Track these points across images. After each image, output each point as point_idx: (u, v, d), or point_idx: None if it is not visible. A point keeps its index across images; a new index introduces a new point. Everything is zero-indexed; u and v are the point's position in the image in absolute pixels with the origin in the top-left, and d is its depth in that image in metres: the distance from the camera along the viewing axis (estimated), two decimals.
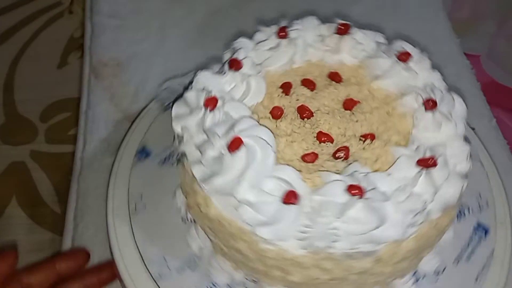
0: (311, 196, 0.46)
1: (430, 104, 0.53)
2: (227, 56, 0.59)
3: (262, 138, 0.48)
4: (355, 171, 0.48)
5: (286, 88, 0.58)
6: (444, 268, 0.59)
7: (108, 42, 0.97)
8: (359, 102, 0.57)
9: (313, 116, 0.55)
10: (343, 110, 0.56)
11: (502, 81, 0.99)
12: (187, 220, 0.62)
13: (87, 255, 0.67)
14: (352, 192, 0.45)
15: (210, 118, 0.51)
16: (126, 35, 0.98)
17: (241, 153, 0.47)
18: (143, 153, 0.69)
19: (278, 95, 0.58)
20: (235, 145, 0.47)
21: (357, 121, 0.55)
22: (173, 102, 0.57)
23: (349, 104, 0.57)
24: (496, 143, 0.81)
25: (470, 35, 1.05)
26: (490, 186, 0.66)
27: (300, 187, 0.46)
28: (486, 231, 0.63)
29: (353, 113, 0.56)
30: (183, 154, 0.53)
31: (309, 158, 0.51)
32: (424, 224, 0.48)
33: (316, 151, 0.52)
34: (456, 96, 0.56)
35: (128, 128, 0.74)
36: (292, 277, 0.50)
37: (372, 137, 0.53)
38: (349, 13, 1.01)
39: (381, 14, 1.00)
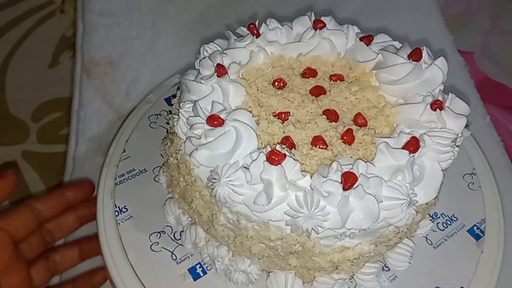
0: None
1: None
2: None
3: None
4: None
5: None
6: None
7: (100, 41, 0.96)
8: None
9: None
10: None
11: (496, 77, 0.99)
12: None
13: (92, 185, 0.69)
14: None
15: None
16: (118, 34, 0.98)
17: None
18: None
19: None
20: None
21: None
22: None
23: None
24: (490, 140, 0.80)
25: (464, 31, 1.04)
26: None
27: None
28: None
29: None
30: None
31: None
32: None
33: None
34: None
35: (119, 127, 0.74)
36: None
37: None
38: (343, 7, 1.01)
39: (375, 10, 1.00)
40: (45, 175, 0.88)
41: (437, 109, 0.52)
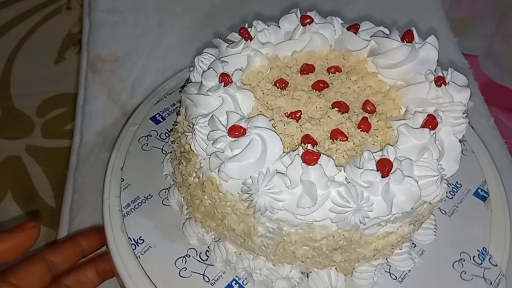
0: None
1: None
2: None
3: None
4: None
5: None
6: None
7: (106, 38, 0.95)
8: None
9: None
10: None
11: (500, 81, 0.99)
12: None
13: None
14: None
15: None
16: (124, 31, 0.96)
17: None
18: None
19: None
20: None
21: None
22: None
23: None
24: (494, 142, 0.79)
25: (468, 35, 1.04)
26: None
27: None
28: None
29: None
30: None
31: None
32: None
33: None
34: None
35: (124, 123, 0.74)
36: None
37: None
38: (348, 10, 1.00)
39: (380, 13, 1.00)
40: (49, 170, 0.87)
41: (442, 85, 0.53)
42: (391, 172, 0.46)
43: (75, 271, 0.60)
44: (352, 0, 1.02)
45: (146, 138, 0.69)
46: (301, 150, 0.46)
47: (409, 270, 0.58)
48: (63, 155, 0.85)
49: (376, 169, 0.46)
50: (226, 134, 0.47)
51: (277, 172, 0.46)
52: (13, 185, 0.87)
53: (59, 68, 1.03)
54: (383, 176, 0.45)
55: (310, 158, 0.45)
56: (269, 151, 0.47)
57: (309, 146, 0.46)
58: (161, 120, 0.72)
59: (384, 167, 0.46)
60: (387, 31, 0.60)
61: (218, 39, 0.58)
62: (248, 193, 0.46)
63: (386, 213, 0.46)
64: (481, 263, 0.59)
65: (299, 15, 0.60)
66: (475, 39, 1.05)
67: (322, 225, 0.47)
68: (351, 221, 0.45)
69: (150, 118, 0.72)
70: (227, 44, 0.57)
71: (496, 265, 0.59)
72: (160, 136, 0.69)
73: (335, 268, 0.55)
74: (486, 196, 0.65)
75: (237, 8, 1.02)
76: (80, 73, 0.91)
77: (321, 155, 0.46)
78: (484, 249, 0.60)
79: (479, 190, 0.66)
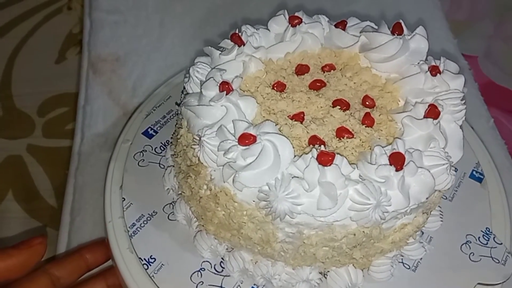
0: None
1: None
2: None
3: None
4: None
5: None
6: None
7: (107, 38, 0.94)
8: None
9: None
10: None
11: (500, 82, 0.99)
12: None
13: None
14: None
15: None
16: (125, 31, 0.96)
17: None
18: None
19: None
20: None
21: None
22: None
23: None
24: (494, 143, 0.80)
25: (468, 36, 1.04)
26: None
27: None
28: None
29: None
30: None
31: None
32: None
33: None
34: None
35: (125, 123, 0.73)
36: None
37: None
38: (347, 11, 1.00)
39: (378, 13, 1.00)
40: (50, 169, 0.87)
41: (437, 74, 0.54)
42: (405, 164, 0.46)
43: (83, 285, 0.59)
44: (351, 1, 1.02)
45: (141, 154, 0.67)
46: (315, 152, 0.46)
47: (421, 258, 0.59)
48: (64, 155, 0.85)
49: (389, 163, 0.46)
50: (237, 143, 0.46)
51: (295, 177, 0.46)
52: (14, 184, 0.87)
53: (60, 68, 1.03)
54: (397, 170, 0.46)
55: (326, 159, 0.45)
56: (281, 156, 0.46)
57: (322, 147, 0.46)
58: (154, 134, 0.69)
59: (397, 160, 0.46)
60: (374, 26, 0.60)
61: (209, 47, 0.57)
62: (266, 200, 0.45)
63: (404, 205, 0.46)
64: (487, 243, 0.60)
65: (287, 16, 0.60)
66: (475, 40, 1.05)
67: (342, 225, 0.47)
68: (372, 218, 0.45)
69: (142, 133, 0.69)
70: (220, 52, 0.56)
71: (501, 243, 0.60)
72: (155, 150, 0.67)
73: (353, 265, 0.55)
74: (482, 177, 0.66)
75: (238, 8, 1.01)
76: (81, 73, 0.91)
77: (336, 155, 0.46)
78: (488, 229, 0.61)
79: (474, 172, 0.67)
